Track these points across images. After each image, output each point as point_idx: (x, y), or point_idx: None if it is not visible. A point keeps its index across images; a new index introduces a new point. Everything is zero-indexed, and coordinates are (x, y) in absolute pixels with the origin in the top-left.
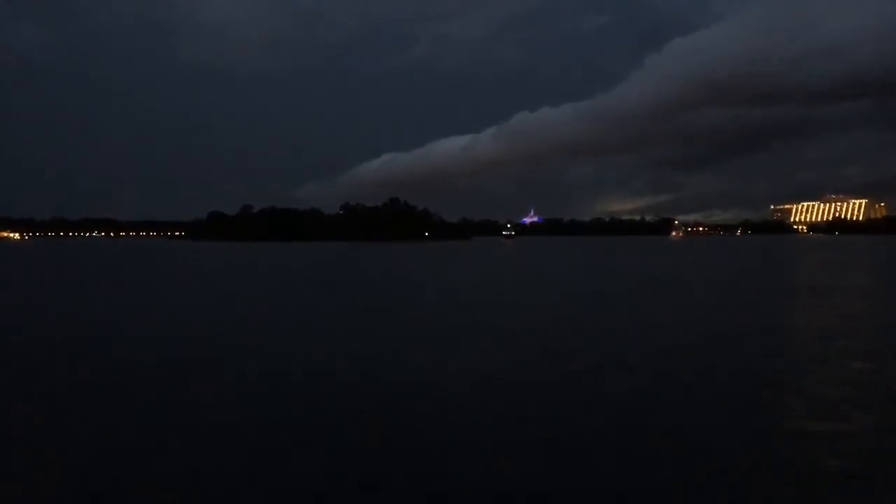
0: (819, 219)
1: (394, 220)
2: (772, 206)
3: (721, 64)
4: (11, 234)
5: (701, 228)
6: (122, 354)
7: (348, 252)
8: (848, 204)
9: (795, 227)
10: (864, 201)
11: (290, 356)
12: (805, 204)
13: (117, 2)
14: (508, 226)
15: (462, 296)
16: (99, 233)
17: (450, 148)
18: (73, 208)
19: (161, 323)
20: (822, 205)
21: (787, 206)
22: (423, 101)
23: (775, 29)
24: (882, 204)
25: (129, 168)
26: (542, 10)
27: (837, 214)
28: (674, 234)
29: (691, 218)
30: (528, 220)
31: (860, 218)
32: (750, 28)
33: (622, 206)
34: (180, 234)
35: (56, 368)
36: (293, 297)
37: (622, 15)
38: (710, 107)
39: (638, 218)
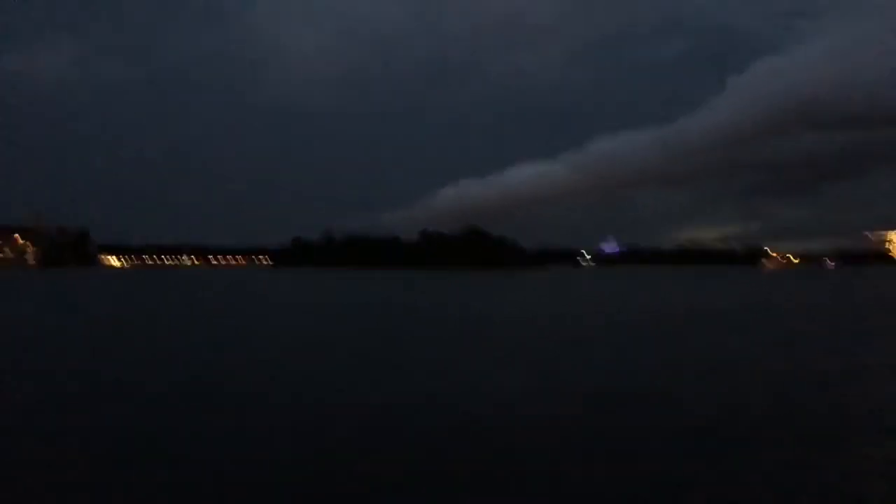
0: None
1: (471, 247)
2: (867, 234)
3: (809, 85)
4: (114, 261)
5: (793, 258)
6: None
7: (428, 281)
8: None
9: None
10: None
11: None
12: None
13: (200, 37)
14: (586, 254)
15: (549, 334)
16: (188, 257)
17: (526, 174)
18: (158, 233)
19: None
20: None
21: (884, 233)
22: (500, 126)
23: (867, 47)
24: None
25: (212, 195)
26: (617, 36)
27: None
28: (767, 263)
29: (782, 246)
30: (607, 248)
31: None
32: (839, 47)
33: (707, 235)
34: (266, 259)
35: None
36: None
37: (700, 38)
38: (800, 130)
39: (725, 247)
